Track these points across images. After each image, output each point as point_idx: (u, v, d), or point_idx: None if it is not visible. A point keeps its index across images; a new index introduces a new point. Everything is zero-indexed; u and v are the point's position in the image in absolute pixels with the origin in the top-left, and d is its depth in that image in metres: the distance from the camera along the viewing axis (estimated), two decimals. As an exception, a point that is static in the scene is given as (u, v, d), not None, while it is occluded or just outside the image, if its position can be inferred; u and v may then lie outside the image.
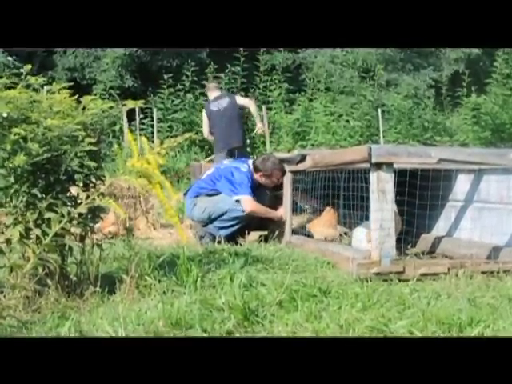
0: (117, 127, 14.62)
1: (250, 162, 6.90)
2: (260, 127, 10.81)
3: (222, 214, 6.44)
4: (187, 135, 5.55)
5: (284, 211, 6.46)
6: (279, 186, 6.71)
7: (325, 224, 6.29)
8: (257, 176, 6.70)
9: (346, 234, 6.19)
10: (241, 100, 10.68)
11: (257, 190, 6.69)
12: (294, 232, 6.36)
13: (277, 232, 6.40)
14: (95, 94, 14.06)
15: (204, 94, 17.72)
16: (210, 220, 6.50)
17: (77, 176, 3.82)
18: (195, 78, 18.07)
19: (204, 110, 10.67)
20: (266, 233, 6.54)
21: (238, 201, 6.42)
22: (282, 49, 20.75)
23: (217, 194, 6.58)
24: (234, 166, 6.82)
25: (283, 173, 6.56)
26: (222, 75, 18.06)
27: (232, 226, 6.43)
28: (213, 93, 10.56)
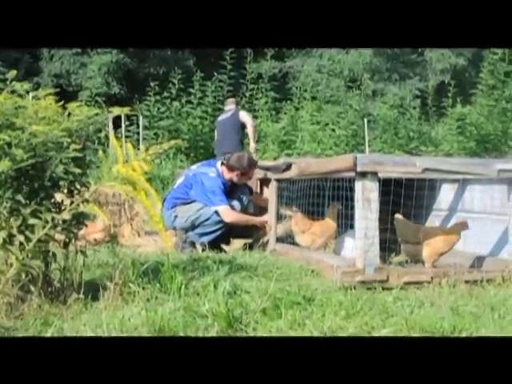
0: (102, 134, 14.57)
1: (219, 163, 6.78)
2: (252, 147, 10.99)
3: (207, 220, 6.42)
4: (173, 142, 5.54)
5: (269, 218, 6.46)
6: None
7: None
8: (232, 175, 6.61)
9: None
10: (243, 116, 11.01)
11: (237, 189, 6.68)
12: (279, 240, 6.36)
13: (262, 240, 6.40)
14: (81, 101, 14.01)
15: (190, 102, 17.83)
16: (193, 227, 6.45)
17: (61, 182, 3.80)
18: (182, 86, 18.06)
19: (216, 124, 11.20)
20: (250, 241, 6.53)
21: (216, 212, 6.38)
22: (268, 57, 20.78)
23: (193, 202, 6.52)
24: (201, 171, 6.69)
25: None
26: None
27: (214, 231, 6.37)
28: (228, 106, 11.04)
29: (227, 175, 6.64)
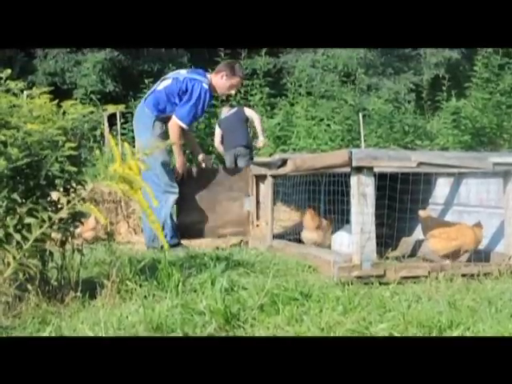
0: (97, 132, 14.53)
1: (208, 74, 6.72)
2: (262, 140, 11.00)
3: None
4: (169, 141, 5.54)
5: (181, 164, 6.48)
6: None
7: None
8: (217, 77, 6.60)
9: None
10: (248, 111, 11.02)
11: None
12: (276, 236, 6.37)
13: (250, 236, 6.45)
14: (76, 99, 13.98)
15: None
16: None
17: (57, 181, 3.80)
18: (176, 83, 18.04)
19: (217, 123, 11.19)
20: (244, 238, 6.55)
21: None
22: (263, 53, 20.75)
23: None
24: (195, 78, 6.50)
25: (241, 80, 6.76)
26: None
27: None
28: (225, 110, 11.08)
29: (214, 78, 6.59)
